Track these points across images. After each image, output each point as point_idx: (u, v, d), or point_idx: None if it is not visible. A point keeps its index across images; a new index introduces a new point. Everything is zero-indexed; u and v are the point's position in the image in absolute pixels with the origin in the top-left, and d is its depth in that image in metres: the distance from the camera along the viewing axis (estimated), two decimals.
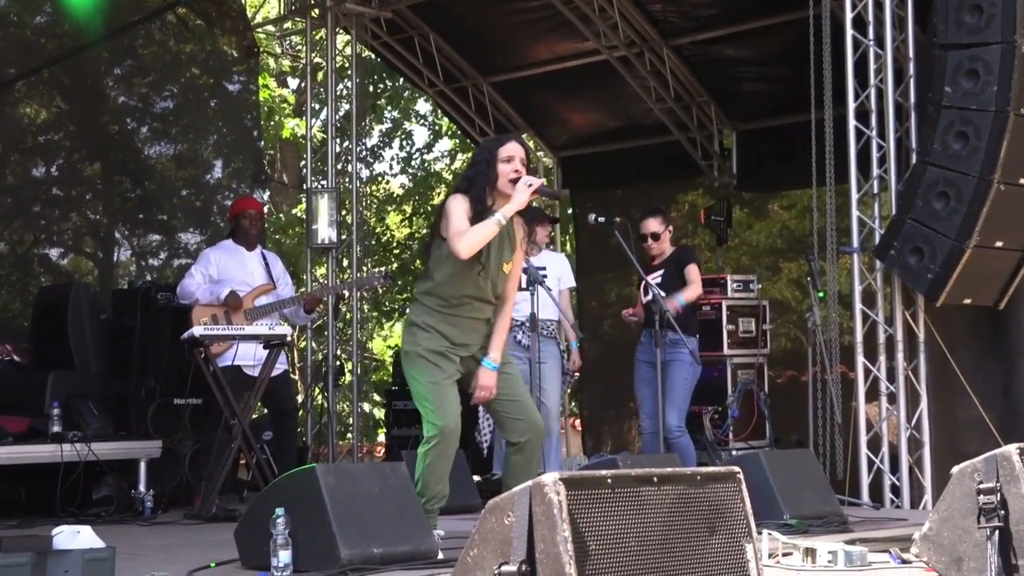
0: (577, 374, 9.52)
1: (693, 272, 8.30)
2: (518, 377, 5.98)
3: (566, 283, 8.76)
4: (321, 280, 12.78)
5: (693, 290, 8.26)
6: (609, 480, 3.45)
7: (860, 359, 8.13)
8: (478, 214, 5.63)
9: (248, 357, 7.98)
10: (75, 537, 4.40)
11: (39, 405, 8.21)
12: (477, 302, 5.78)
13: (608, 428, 12.70)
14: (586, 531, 3.32)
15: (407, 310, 6.05)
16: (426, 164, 20.96)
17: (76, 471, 7.65)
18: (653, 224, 8.44)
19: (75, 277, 11.88)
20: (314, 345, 11.43)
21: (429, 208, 20.19)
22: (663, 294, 7.84)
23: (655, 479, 3.54)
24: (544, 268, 8.06)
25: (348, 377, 11.38)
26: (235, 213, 8.70)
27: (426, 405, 5.70)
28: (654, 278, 8.14)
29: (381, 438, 15.64)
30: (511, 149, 5.75)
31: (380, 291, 17.99)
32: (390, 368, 14.23)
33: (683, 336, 7.92)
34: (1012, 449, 4.52)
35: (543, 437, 6.01)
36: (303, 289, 10.67)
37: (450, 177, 20.49)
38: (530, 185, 5.59)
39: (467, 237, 5.57)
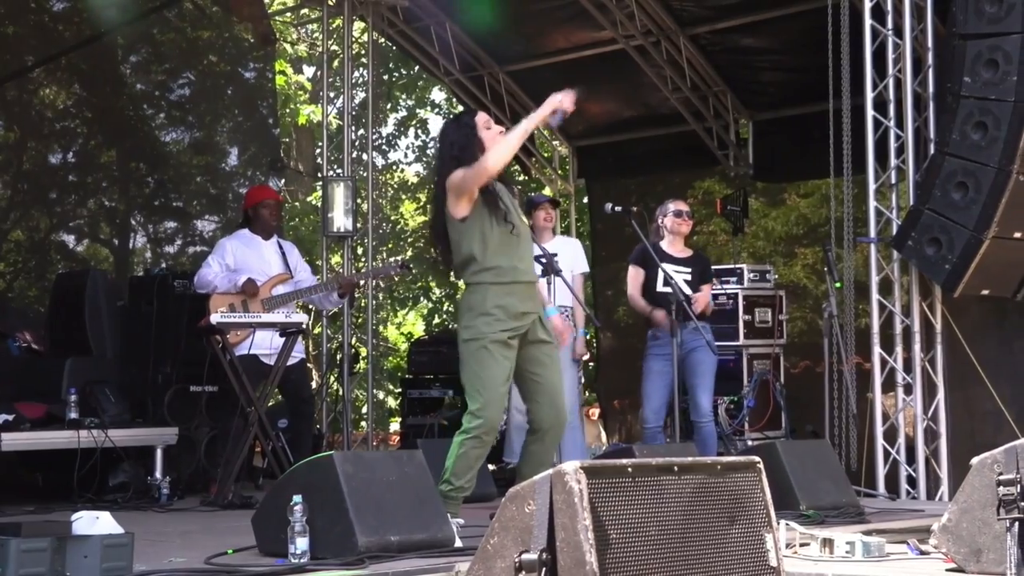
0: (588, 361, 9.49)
1: (707, 291, 8.32)
2: (556, 364, 5.97)
3: (579, 268, 8.67)
4: (336, 268, 12.78)
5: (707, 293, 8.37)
6: (630, 469, 3.45)
7: (877, 350, 8.11)
8: None
9: (264, 346, 7.96)
10: (94, 523, 4.41)
11: (56, 391, 8.23)
12: (522, 265, 5.85)
13: (624, 417, 12.68)
14: (607, 519, 3.32)
15: (461, 298, 6.05)
16: None
17: (93, 457, 7.66)
18: (682, 203, 8.49)
19: (91, 264, 11.92)
20: (328, 333, 11.44)
21: None
22: (682, 289, 7.88)
23: (676, 468, 3.53)
24: (556, 254, 7.97)
25: (363, 365, 11.38)
26: (253, 203, 8.56)
27: (476, 396, 5.74)
28: (682, 274, 8.16)
29: (394, 427, 15.64)
30: (483, 118, 5.94)
31: (395, 279, 18.00)
32: (404, 356, 14.20)
33: (707, 324, 8.08)
34: None
35: (564, 430, 6.01)
36: (336, 272, 10.65)
37: None
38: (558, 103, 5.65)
39: (495, 149, 5.64)
